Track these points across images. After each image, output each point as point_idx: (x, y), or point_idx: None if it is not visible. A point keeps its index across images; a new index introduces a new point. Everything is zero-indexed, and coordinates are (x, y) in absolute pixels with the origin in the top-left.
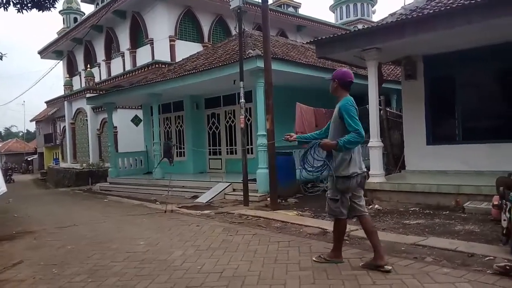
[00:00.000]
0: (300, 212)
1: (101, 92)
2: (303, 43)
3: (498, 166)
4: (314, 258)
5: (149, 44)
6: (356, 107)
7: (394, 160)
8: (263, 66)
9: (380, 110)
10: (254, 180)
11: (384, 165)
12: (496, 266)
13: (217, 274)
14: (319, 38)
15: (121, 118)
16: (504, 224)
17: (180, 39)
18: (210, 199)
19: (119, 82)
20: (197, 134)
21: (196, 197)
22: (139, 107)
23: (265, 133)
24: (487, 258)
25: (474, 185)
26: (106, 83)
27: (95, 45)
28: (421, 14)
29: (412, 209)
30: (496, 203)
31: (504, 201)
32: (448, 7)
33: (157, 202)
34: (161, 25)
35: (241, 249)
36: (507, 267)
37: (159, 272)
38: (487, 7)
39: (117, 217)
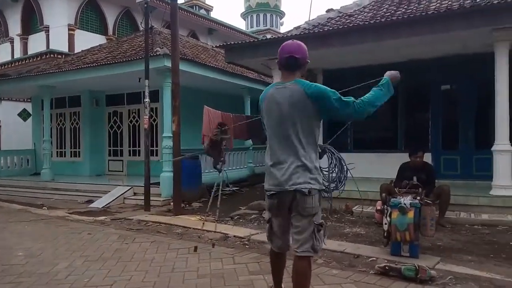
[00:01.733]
0: (203, 217)
1: None
2: (214, 47)
3: (383, 173)
4: None
5: (44, 32)
6: (262, 105)
7: None
8: (170, 65)
9: None
10: (158, 183)
11: None
12: (378, 267)
13: (106, 287)
14: (229, 43)
15: (6, 112)
16: (385, 227)
17: (81, 29)
18: (107, 204)
19: (6, 71)
20: (96, 133)
21: (91, 201)
22: (29, 100)
23: (171, 135)
24: (370, 259)
25: (361, 191)
26: None
27: None
28: (321, 30)
29: None
30: (378, 208)
31: (385, 206)
32: (346, 26)
33: (44, 207)
34: (59, 12)
35: (136, 258)
36: (386, 268)
37: (38, 287)
38: (378, 30)
39: None
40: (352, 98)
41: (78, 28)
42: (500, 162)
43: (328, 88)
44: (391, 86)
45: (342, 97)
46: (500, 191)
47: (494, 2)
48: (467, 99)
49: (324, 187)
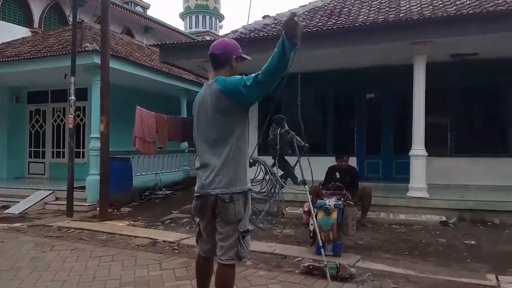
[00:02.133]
0: (132, 222)
1: None
2: (149, 45)
3: (315, 176)
4: None
5: None
6: (194, 107)
7: None
8: (100, 62)
9: None
10: (84, 187)
11: None
12: (302, 266)
13: None
14: (164, 42)
15: None
16: (311, 228)
17: (2, 20)
18: (24, 210)
19: None
20: (15, 132)
21: (7, 207)
22: None
23: (99, 136)
24: (297, 259)
25: (293, 193)
26: None
27: None
28: (257, 35)
29: None
30: (306, 209)
31: (312, 207)
32: (279, 33)
33: None
34: None
35: (54, 267)
36: (311, 267)
37: None
38: (309, 39)
39: None
40: (254, 75)
41: None
42: (416, 165)
43: (238, 77)
44: (286, 41)
45: (247, 80)
46: (416, 193)
47: (414, 17)
48: (389, 107)
49: (250, 188)
